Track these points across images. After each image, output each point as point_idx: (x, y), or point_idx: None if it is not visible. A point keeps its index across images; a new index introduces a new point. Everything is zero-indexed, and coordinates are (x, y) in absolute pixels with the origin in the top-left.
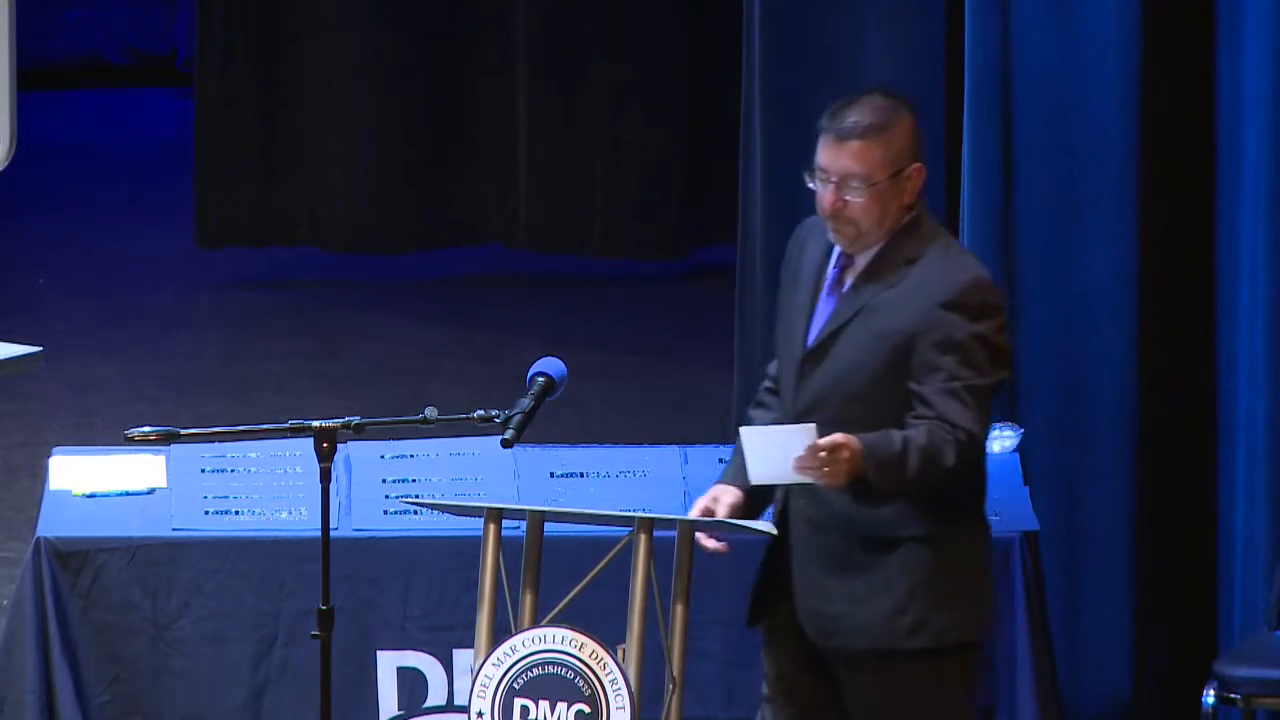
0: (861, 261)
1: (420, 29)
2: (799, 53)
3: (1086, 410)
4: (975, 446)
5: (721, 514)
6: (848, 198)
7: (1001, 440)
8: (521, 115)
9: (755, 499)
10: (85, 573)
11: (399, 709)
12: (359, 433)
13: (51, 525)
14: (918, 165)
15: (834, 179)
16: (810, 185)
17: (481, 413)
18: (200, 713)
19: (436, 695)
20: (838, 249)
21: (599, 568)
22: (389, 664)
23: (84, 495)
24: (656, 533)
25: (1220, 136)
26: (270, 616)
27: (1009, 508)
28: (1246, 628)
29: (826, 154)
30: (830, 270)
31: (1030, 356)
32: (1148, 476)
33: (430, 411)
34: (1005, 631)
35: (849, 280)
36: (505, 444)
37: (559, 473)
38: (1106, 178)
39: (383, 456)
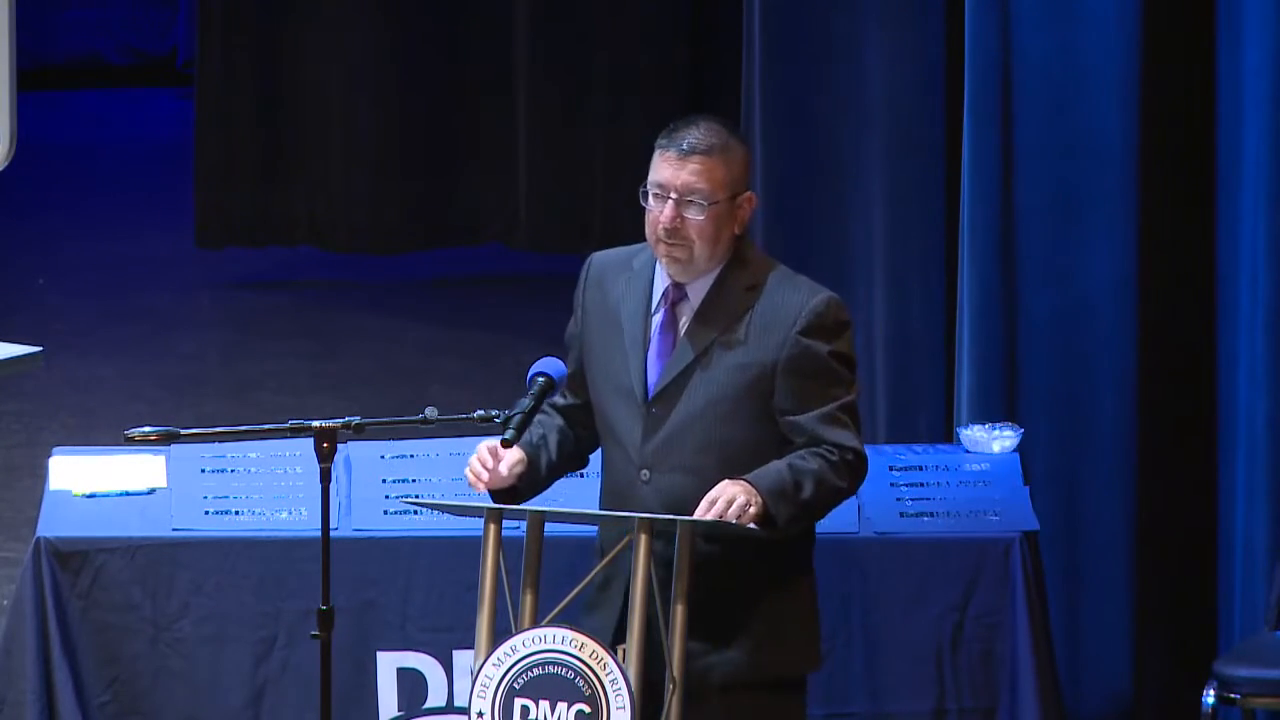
0: (696, 295)
1: (420, 29)
2: (799, 53)
3: (1086, 410)
4: (862, 461)
5: (504, 469)
6: (687, 215)
7: (1001, 440)
8: (521, 115)
9: (532, 470)
10: (85, 573)
11: (399, 710)
12: (359, 433)
13: (51, 525)
14: (749, 194)
15: (673, 195)
16: (645, 204)
17: (481, 413)
18: (200, 713)
19: (436, 696)
20: (660, 287)
21: (599, 567)
22: (389, 664)
23: (84, 495)
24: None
25: (1220, 136)
26: (270, 616)
27: (1009, 508)
28: (1246, 628)
29: (667, 169)
30: (659, 308)
31: (1030, 356)
32: (1148, 476)
33: (430, 411)
34: (1005, 631)
35: (685, 316)
36: (505, 444)
37: None
38: (1106, 178)
39: (383, 456)
